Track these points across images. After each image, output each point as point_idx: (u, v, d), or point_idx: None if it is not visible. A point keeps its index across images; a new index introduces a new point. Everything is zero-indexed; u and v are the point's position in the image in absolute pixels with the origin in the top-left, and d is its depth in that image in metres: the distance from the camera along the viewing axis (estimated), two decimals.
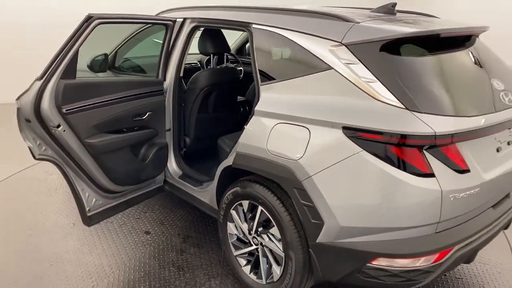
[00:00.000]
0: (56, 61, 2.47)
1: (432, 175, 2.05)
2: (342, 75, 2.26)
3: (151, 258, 3.25)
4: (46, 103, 2.48)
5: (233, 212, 2.86)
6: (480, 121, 2.16)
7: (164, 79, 3.31)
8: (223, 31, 3.63)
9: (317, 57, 2.37)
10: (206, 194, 3.20)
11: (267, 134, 2.50)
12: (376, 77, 2.16)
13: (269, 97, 2.59)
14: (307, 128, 2.32)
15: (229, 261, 2.97)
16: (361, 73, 2.21)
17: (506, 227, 2.80)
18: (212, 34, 3.58)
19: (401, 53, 2.26)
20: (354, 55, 2.24)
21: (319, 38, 2.40)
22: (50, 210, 3.96)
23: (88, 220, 2.99)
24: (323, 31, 2.41)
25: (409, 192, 2.05)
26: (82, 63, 3.23)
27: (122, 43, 4.00)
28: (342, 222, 2.20)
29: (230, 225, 2.92)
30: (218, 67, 4.21)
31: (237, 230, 2.90)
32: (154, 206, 4.05)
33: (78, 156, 2.76)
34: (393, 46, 2.23)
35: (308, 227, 2.34)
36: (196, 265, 3.15)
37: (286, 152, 2.39)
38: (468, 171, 2.16)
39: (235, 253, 2.92)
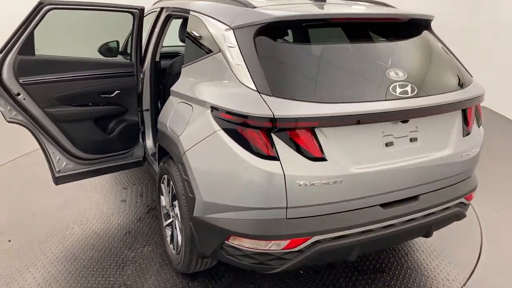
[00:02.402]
0: (13, 39, 2.96)
1: (275, 158, 2.05)
2: (224, 58, 2.35)
3: (115, 220, 3.67)
4: (5, 74, 2.99)
5: (162, 186, 3.10)
6: (344, 109, 2.07)
7: (141, 63, 3.65)
8: None
9: (214, 40, 2.48)
10: None
11: (171, 112, 2.69)
12: (244, 61, 2.21)
13: (182, 78, 2.78)
14: (192, 107, 2.46)
15: (162, 232, 3.21)
16: (235, 56, 2.27)
17: (426, 234, 2.58)
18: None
19: (278, 38, 2.26)
20: (236, 39, 2.31)
21: (219, 22, 2.51)
22: None
23: (55, 180, 3.47)
24: (224, 15, 2.51)
25: (253, 173, 2.07)
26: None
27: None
28: (205, 198, 2.30)
29: (162, 198, 3.16)
30: None
31: (165, 202, 3.12)
32: (144, 179, 4.46)
33: (42, 123, 3.24)
34: (271, 31, 2.25)
35: (188, 201, 2.48)
36: (143, 232, 3.46)
37: (175, 129, 2.55)
38: (323, 159, 2.09)
39: (164, 224, 3.15)
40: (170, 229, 3.08)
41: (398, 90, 2.20)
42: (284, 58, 2.20)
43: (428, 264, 3.10)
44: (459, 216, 2.69)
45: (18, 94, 3.08)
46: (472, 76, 2.64)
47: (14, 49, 2.97)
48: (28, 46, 3.03)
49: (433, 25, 2.69)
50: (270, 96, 2.05)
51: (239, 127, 2.10)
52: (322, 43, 2.31)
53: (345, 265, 3.03)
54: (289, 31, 2.34)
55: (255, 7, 2.41)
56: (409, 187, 2.35)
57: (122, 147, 3.72)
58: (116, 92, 3.52)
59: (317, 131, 2.08)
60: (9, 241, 3.36)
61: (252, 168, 2.07)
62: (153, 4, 4.13)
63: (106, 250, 3.23)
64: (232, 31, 2.35)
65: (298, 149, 2.07)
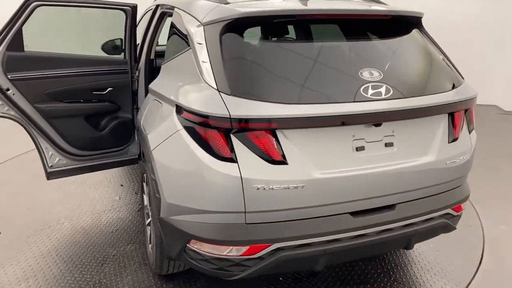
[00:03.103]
0: (1, 35, 3.00)
1: (232, 160, 1.96)
2: (193, 55, 2.28)
3: (105, 216, 3.69)
4: None
5: (144, 184, 3.07)
6: (305, 110, 1.96)
7: (135, 61, 3.64)
8: None
9: (188, 37, 2.42)
10: None
11: (146, 109, 2.65)
12: (209, 58, 2.14)
13: (160, 75, 2.73)
14: (162, 104, 2.41)
15: (145, 231, 3.19)
16: (202, 53, 2.20)
17: (406, 246, 2.41)
18: None
19: (245, 36, 2.17)
20: (204, 36, 2.24)
21: (193, 18, 2.44)
22: None
23: (48, 175, 3.51)
24: (198, 11, 2.44)
25: (210, 175, 2.00)
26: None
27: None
28: (167, 198, 2.24)
29: (144, 197, 3.13)
30: None
31: (146, 201, 3.09)
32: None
33: (33, 118, 3.28)
34: (238, 28, 2.16)
35: (155, 201, 2.43)
36: (129, 230, 3.45)
37: (146, 126, 2.51)
38: (283, 163, 1.98)
39: (146, 223, 3.11)
40: (149, 229, 3.04)
41: (370, 91, 2.06)
42: (248, 57, 2.11)
43: (418, 278, 2.91)
44: (447, 228, 2.51)
45: (8, 90, 3.13)
46: (463, 78, 2.45)
47: (2, 45, 3.01)
48: (17, 42, 3.07)
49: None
50: (229, 95, 1.96)
51: (198, 127, 2.03)
52: (291, 41, 2.20)
53: (328, 274, 2.90)
54: (258, 29, 2.24)
55: (227, 3, 2.33)
56: (384, 195, 2.20)
57: (115, 144, 3.72)
58: (109, 89, 3.51)
59: (278, 133, 1.98)
60: (0, 233, 3.42)
61: (209, 169, 1.99)
62: (154, 1, 4.11)
63: (89, 246, 3.23)
64: (202, 27, 2.28)
65: (257, 152, 1.97)
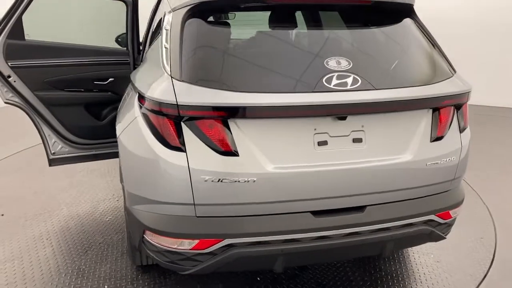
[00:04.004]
0: (2, 24, 3.11)
1: (181, 149, 1.88)
2: (160, 41, 2.23)
3: (103, 205, 3.75)
4: None
5: None
6: (258, 99, 1.84)
7: (138, 52, 3.65)
8: None
9: (161, 23, 2.37)
10: None
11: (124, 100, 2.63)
12: (170, 44, 2.07)
13: (141, 64, 2.70)
14: (131, 91, 2.38)
15: None
16: (166, 39, 2.14)
17: (380, 253, 2.22)
18: None
19: (208, 21, 2.09)
20: (171, 21, 2.18)
21: (168, 4, 2.38)
22: None
23: (50, 162, 3.60)
24: None
25: (159, 164, 1.93)
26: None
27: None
28: (127, 187, 2.20)
29: None
30: None
31: None
32: None
33: (35, 106, 3.38)
34: (201, 13, 2.08)
35: (123, 190, 2.40)
36: (121, 219, 3.46)
37: (118, 113, 2.49)
38: (233, 154, 1.87)
39: None
40: None
41: (334, 81, 1.90)
42: (206, 42, 2.01)
43: None
44: (432, 237, 2.29)
45: (9, 77, 3.23)
46: (454, 71, 2.22)
47: (3, 33, 3.12)
48: (17, 31, 3.16)
49: None
50: (180, 81, 1.88)
51: (150, 113, 1.96)
52: (252, 28, 2.09)
53: (309, 277, 2.74)
54: (222, 15, 2.14)
55: None
56: (351, 195, 2.03)
57: (115, 134, 3.76)
58: (110, 79, 3.55)
59: (230, 122, 1.87)
60: (2, 215, 3.55)
61: (158, 158, 1.92)
62: None
63: (79, 233, 3.28)
64: (172, 13, 2.22)
65: (207, 142, 1.87)
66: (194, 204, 1.92)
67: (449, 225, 2.33)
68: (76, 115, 3.54)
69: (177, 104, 1.82)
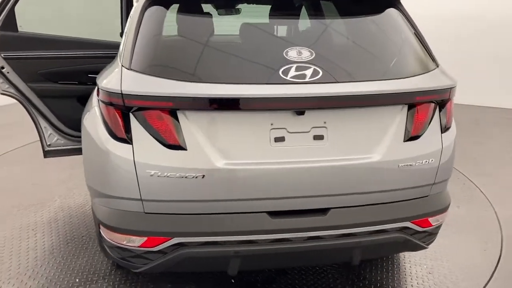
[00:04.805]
0: None
1: (127, 141, 1.80)
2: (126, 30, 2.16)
3: None
4: None
5: None
6: (205, 90, 1.72)
7: None
8: None
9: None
10: None
11: None
12: (127, 32, 2.01)
13: None
14: None
15: None
16: (127, 28, 2.08)
17: (350, 261, 2.06)
18: None
19: (167, 9, 1.99)
20: (139, 10, 2.10)
21: None
22: None
23: (45, 153, 3.63)
24: None
25: (106, 156, 1.86)
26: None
27: None
28: (86, 179, 2.15)
29: None
30: None
31: None
32: None
33: (29, 97, 3.41)
34: (161, 2, 2.00)
35: None
36: None
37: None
38: (181, 148, 1.77)
39: None
40: None
41: (292, 73, 1.76)
42: (161, 31, 1.92)
43: None
44: (408, 246, 2.10)
45: (2, 68, 3.27)
46: (437, 64, 2.02)
47: None
48: (10, 22, 3.19)
49: None
50: (128, 69, 1.80)
51: (101, 104, 1.90)
52: (209, 17, 1.98)
53: (283, 284, 2.59)
54: (183, 3, 2.04)
55: None
56: (312, 196, 1.88)
57: None
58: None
59: (179, 114, 1.77)
60: None
61: (106, 150, 1.85)
62: None
63: (65, 225, 3.28)
64: (143, 2, 2.14)
65: (154, 134, 1.78)
66: (141, 200, 1.83)
67: (430, 234, 2.13)
68: (70, 108, 3.54)
69: (121, 93, 1.74)
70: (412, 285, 2.62)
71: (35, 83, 3.34)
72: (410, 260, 2.85)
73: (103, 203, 1.96)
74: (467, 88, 6.79)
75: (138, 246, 1.89)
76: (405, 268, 2.78)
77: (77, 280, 2.63)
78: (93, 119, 1.99)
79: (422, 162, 1.94)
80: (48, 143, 3.59)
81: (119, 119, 1.79)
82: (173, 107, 1.74)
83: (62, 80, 3.44)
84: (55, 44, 3.37)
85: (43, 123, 3.51)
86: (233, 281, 2.62)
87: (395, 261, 2.84)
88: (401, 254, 2.88)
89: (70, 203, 3.63)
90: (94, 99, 2.07)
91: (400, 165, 1.90)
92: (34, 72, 3.32)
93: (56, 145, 3.61)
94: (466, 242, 3.08)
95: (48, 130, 3.55)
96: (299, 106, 1.76)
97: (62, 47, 3.39)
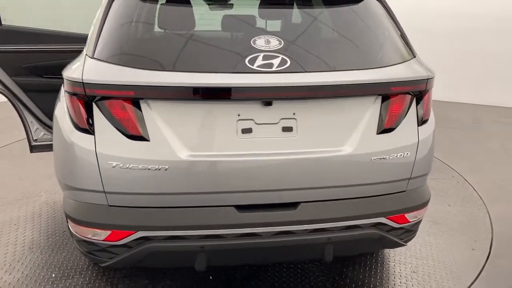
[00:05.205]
0: None
1: (89, 131, 1.75)
2: None
3: None
4: None
5: None
6: (167, 78, 1.68)
7: None
8: None
9: None
10: None
11: None
12: (96, 21, 1.97)
13: None
14: None
15: None
16: (96, 18, 2.03)
17: (322, 257, 1.99)
18: None
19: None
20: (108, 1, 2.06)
21: None
22: None
23: (31, 148, 3.61)
24: None
25: (68, 146, 1.82)
26: None
27: None
28: (55, 172, 2.11)
29: None
30: None
31: None
32: None
33: (14, 91, 3.38)
34: None
35: None
36: None
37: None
38: (143, 139, 1.72)
39: None
40: None
41: (259, 62, 1.71)
42: (125, 19, 1.87)
43: None
44: (384, 243, 2.03)
45: None
46: (414, 55, 1.95)
47: None
48: None
49: None
50: (91, 58, 1.76)
51: (66, 94, 1.86)
52: (177, 5, 1.93)
53: (262, 281, 2.53)
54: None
55: None
56: (280, 189, 1.82)
57: None
58: None
59: (142, 104, 1.72)
60: None
61: (69, 140, 1.80)
62: None
63: (48, 220, 3.24)
64: None
65: (116, 124, 1.73)
66: (104, 192, 1.79)
67: (408, 231, 2.06)
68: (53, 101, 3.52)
69: (82, 82, 1.69)
70: (395, 284, 2.55)
71: (19, 77, 3.31)
72: (394, 259, 2.78)
73: (70, 196, 1.92)
74: (467, 88, 6.69)
75: (103, 240, 1.85)
76: (389, 267, 2.71)
77: (53, 275, 2.59)
78: (59, 109, 1.95)
79: (396, 156, 1.87)
80: (35, 138, 3.57)
81: (82, 109, 1.75)
82: (134, 96, 1.69)
83: (47, 74, 3.41)
84: (40, 37, 3.35)
85: (29, 118, 3.48)
86: (211, 277, 2.57)
87: (379, 259, 2.77)
88: (386, 253, 2.82)
89: (55, 198, 3.60)
90: (61, 93, 2.03)
91: (373, 158, 1.84)
92: (19, 66, 3.29)
93: (43, 140, 3.58)
94: (454, 241, 3.00)
95: (34, 125, 3.53)
96: (266, 96, 1.71)
97: (47, 41, 3.36)
